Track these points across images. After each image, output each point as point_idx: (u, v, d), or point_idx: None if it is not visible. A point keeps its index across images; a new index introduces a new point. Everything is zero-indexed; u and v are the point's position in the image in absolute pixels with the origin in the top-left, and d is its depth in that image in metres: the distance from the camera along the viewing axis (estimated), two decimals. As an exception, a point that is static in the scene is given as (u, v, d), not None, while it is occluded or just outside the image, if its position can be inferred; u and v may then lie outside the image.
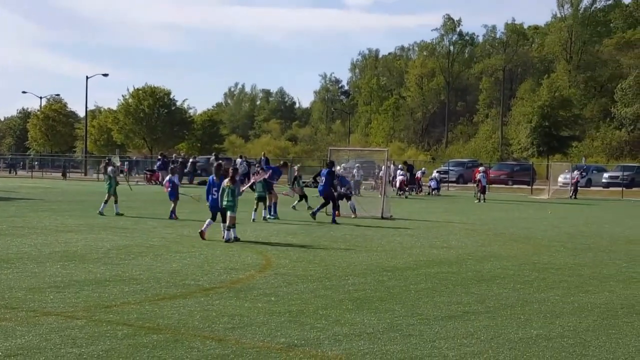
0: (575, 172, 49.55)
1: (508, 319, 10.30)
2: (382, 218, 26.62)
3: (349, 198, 27.90)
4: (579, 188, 48.76)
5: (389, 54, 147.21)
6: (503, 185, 59.46)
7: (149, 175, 57.83)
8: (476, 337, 9.26)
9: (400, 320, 10.05)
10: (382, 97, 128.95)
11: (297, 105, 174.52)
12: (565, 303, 11.52)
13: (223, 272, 13.73)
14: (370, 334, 9.29)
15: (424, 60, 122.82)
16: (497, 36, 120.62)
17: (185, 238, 19.24)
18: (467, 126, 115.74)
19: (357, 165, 44.83)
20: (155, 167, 57.92)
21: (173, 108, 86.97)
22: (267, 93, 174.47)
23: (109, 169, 26.68)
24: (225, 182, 19.03)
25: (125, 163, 66.71)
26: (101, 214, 25.17)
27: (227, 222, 18.68)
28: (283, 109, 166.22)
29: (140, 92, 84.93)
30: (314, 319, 9.99)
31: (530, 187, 54.49)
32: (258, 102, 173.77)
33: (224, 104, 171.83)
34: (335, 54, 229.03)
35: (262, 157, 53.85)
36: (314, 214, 25.35)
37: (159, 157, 57.64)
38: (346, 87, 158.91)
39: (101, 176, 63.68)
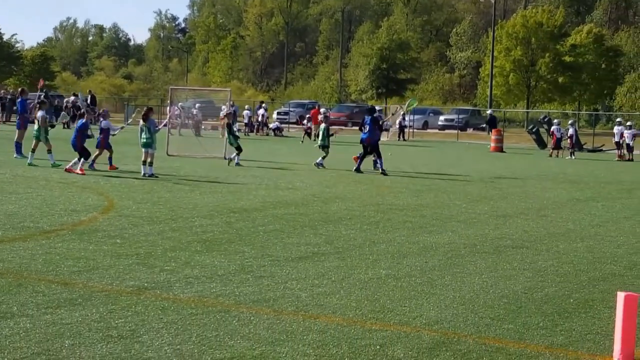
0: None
1: (357, 260, 10.42)
2: (225, 159, 26.37)
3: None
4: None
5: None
6: (342, 127, 60.08)
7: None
8: (327, 277, 9.30)
9: (250, 262, 9.98)
10: (220, 36, 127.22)
11: (132, 42, 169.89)
12: (411, 243, 11.77)
13: (64, 214, 13.24)
14: (221, 275, 9.18)
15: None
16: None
17: (20, 178, 18.47)
18: (307, 67, 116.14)
19: (197, 105, 44.23)
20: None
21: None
22: (100, 29, 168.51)
23: (39, 113, 22.55)
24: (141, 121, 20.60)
25: None
26: (30, 164, 21.37)
27: (145, 158, 19.83)
28: (117, 46, 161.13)
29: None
30: (163, 262, 9.79)
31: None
32: (91, 38, 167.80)
33: (54, 39, 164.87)
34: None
35: (88, 95, 52.32)
36: (382, 172, 22.71)
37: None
38: (183, 25, 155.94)
39: None
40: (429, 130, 60.62)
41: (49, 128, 23.17)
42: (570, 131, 37.39)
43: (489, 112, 50.14)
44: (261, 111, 49.73)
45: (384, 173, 22.69)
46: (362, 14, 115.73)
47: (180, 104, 40.00)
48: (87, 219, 12.87)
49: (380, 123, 25.64)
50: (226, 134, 25.39)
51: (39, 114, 22.66)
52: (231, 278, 9.08)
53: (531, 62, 65.46)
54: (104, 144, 21.44)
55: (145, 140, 20.04)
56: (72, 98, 50.75)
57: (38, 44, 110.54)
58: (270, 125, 50.00)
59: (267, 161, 26.17)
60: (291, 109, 65.54)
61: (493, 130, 43.33)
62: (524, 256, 11.08)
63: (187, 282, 8.78)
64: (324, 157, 24.73)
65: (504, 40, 66.13)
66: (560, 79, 64.88)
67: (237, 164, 24.17)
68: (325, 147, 25.00)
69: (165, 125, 25.19)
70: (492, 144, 40.52)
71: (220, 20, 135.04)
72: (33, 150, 21.89)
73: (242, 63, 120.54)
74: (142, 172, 19.83)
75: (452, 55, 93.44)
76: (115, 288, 8.41)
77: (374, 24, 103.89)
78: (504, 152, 39.23)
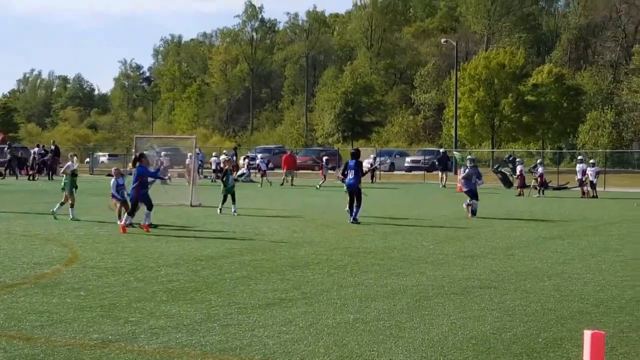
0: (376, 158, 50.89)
1: (325, 304, 10.34)
2: (192, 206, 26.26)
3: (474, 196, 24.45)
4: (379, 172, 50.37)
5: (192, 40, 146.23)
6: (310, 171, 60.15)
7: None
8: (295, 323, 9.21)
9: (217, 310, 9.87)
10: (185, 83, 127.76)
11: (96, 92, 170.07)
12: (379, 286, 11.71)
13: (26, 267, 13.03)
14: (187, 325, 9.06)
15: (227, 46, 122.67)
16: (300, 23, 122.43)
17: (-17, 232, 18.19)
18: (273, 112, 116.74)
19: (163, 153, 44.03)
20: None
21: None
22: (64, 80, 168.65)
23: (68, 164, 22.00)
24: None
25: None
26: (54, 216, 21.04)
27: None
28: (81, 96, 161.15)
29: None
30: (127, 313, 9.64)
31: (336, 172, 55.32)
32: (55, 89, 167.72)
33: (18, 91, 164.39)
34: (136, 39, 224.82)
35: (52, 146, 51.93)
36: (354, 220, 21.56)
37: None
38: (147, 74, 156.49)
39: None
40: (396, 172, 60.82)
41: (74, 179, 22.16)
42: (540, 170, 37.66)
43: (441, 150, 50.40)
44: (222, 157, 49.19)
45: (356, 221, 21.51)
46: (326, 58, 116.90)
47: (146, 152, 39.82)
48: (50, 272, 12.67)
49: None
50: (226, 178, 24.52)
51: (68, 165, 22.10)
52: (197, 327, 8.96)
53: (494, 102, 66.19)
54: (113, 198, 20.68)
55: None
56: (36, 149, 50.40)
57: (3, 95, 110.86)
58: (239, 172, 49.71)
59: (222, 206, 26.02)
60: (258, 155, 65.45)
61: (459, 171, 43.54)
62: (492, 296, 11.06)
63: (152, 333, 8.65)
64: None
65: (467, 82, 66.87)
66: (523, 118, 65.62)
67: (234, 211, 23.65)
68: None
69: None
70: (459, 184, 40.67)
71: (185, 68, 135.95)
72: (72, 206, 21.33)
73: (208, 110, 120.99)
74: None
75: (417, 97, 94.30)
76: (78, 342, 8.26)
77: (338, 68, 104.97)
78: (471, 192, 39.36)
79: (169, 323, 9.15)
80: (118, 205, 20.45)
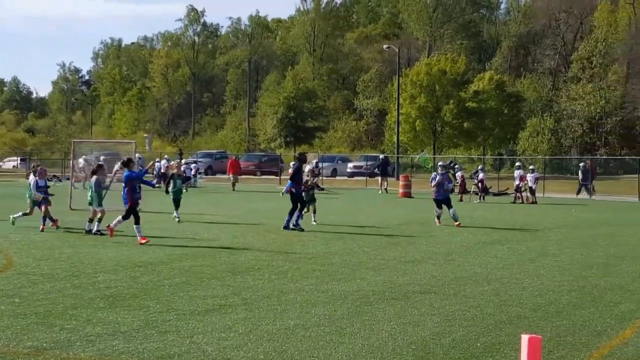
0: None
1: (265, 310, 10.27)
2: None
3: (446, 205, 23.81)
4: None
5: (132, 43, 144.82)
6: (251, 176, 59.97)
7: None
8: (234, 330, 9.13)
9: (155, 317, 9.74)
10: (126, 87, 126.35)
11: (34, 95, 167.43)
12: (320, 292, 11.67)
13: (-41, 274, 12.72)
14: (124, 332, 8.92)
15: (168, 50, 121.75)
16: (242, 28, 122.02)
17: None
18: (215, 117, 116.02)
19: (102, 157, 43.49)
20: None
21: None
22: (0, 82, 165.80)
23: (30, 177, 21.37)
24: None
25: None
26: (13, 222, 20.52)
27: (93, 215, 19.61)
28: (19, 99, 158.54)
29: None
30: (63, 320, 9.46)
31: (279, 177, 55.25)
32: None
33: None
34: (75, 42, 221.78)
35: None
36: (294, 225, 20.88)
37: None
38: (87, 77, 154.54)
39: None
40: (337, 178, 60.91)
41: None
42: (481, 176, 38.01)
43: (381, 156, 50.65)
44: (163, 162, 48.75)
45: (287, 227, 20.92)
46: (269, 63, 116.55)
47: (84, 156, 39.29)
48: (-16, 278, 12.40)
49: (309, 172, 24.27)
50: (171, 185, 24.07)
51: (30, 177, 21.56)
52: (134, 334, 8.82)
53: (436, 108, 66.64)
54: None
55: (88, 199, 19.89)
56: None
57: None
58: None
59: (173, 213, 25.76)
60: (199, 160, 65.07)
61: (401, 177, 43.81)
62: (432, 301, 11.10)
63: (88, 341, 8.49)
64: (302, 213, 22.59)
65: (409, 88, 67.23)
66: (464, 125, 66.14)
67: (176, 217, 23.18)
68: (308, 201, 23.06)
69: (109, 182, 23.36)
70: (401, 190, 40.90)
71: (126, 72, 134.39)
72: (25, 213, 20.68)
73: (149, 114, 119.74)
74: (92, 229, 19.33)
75: (359, 103, 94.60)
76: (12, 350, 8.08)
77: (280, 73, 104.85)
78: (412, 197, 39.57)
79: (106, 330, 9.00)
80: (43, 208, 20.10)
